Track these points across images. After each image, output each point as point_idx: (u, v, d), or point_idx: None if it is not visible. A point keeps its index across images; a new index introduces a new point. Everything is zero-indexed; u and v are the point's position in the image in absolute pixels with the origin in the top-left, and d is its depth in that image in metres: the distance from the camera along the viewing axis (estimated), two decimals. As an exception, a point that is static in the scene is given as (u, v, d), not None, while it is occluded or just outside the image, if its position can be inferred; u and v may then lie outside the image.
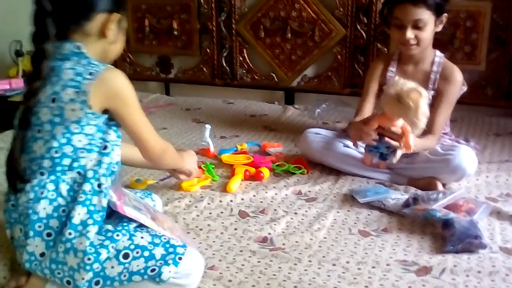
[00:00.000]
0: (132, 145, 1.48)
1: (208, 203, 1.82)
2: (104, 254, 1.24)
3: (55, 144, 1.28)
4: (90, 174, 1.29)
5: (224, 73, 3.14)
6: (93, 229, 1.25)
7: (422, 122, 1.77)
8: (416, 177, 1.94)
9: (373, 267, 1.45)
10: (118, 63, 3.31)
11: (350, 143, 2.07)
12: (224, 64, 3.13)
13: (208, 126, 2.29)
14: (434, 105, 2.00)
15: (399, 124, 1.80)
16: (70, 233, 1.24)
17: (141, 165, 1.74)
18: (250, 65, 3.10)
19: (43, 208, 1.26)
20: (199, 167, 2.04)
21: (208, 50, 3.14)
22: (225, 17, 3.05)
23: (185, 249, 1.30)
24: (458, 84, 2.01)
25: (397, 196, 1.79)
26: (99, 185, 1.29)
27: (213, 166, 2.10)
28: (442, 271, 1.43)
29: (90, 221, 1.25)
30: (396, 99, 1.75)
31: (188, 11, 3.11)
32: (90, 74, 1.27)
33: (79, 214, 1.25)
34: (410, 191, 1.88)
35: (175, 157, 1.64)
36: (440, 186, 1.89)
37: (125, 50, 3.29)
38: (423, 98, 1.75)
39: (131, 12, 3.21)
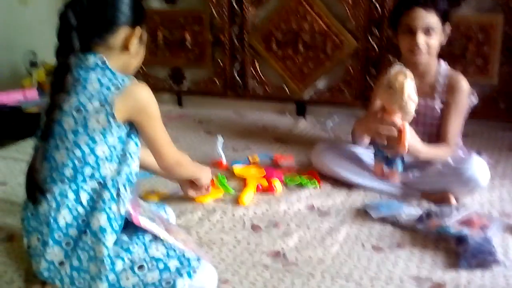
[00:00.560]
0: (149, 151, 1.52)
1: (221, 216, 1.83)
2: (119, 265, 1.25)
3: (78, 153, 1.31)
4: (109, 183, 1.32)
5: (236, 85, 3.16)
6: (111, 238, 1.27)
7: (409, 104, 1.80)
8: (429, 191, 1.94)
9: (387, 283, 1.44)
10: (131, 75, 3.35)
11: (363, 155, 2.07)
12: (236, 76, 3.15)
13: (220, 138, 2.30)
14: (444, 116, 2.01)
15: (398, 122, 1.83)
16: (92, 241, 1.26)
17: (157, 172, 1.77)
18: (262, 77, 3.11)
19: (63, 217, 1.28)
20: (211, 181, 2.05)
21: (220, 62, 3.16)
22: (237, 30, 3.07)
23: (199, 262, 1.31)
24: (465, 92, 2.02)
25: (410, 211, 1.79)
26: (118, 194, 1.31)
27: (225, 179, 2.11)
28: (455, 287, 1.42)
29: (109, 229, 1.27)
30: (387, 86, 1.81)
31: (201, 23, 3.14)
32: (116, 87, 1.31)
33: (98, 221, 1.27)
34: (423, 206, 1.87)
35: (191, 167, 1.70)
36: (453, 200, 1.88)
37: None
38: (408, 79, 1.79)
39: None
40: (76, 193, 1.30)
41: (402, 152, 1.87)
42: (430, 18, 1.91)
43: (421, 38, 1.92)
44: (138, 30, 1.39)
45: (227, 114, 3.12)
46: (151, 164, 1.64)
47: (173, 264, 1.29)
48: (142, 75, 3.36)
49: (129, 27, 1.37)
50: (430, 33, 1.93)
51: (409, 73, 1.81)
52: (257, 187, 2.02)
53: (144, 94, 1.36)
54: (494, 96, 2.67)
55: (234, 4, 3.03)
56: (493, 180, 2.00)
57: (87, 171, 1.32)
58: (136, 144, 1.40)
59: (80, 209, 1.30)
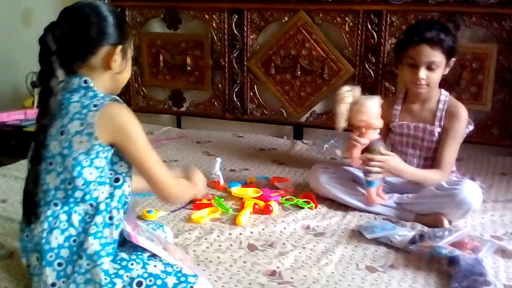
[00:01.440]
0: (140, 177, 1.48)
1: (218, 236, 1.85)
2: (119, 284, 1.28)
3: (67, 176, 1.32)
4: (102, 206, 1.33)
5: (235, 107, 3.22)
6: (107, 260, 1.29)
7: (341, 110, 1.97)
8: (422, 213, 1.97)
9: (380, 303, 1.47)
10: (131, 96, 3.41)
11: (358, 177, 2.12)
12: (235, 99, 3.20)
13: (218, 159, 2.34)
14: (441, 141, 2.05)
15: (357, 139, 1.97)
16: (88, 264, 1.28)
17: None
18: (260, 100, 3.17)
19: (55, 238, 1.30)
20: (209, 202, 2.09)
21: (220, 85, 3.22)
22: (237, 54, 3.14)
23: (196, 279, 1.33)
24: (463, 120, 2.07)
25: (404, 233, 1.82)
26: (111, 218, 1.33)
27: (223, 199, 2.14)
28: (447, 308, 1.45)
29: (103, 253, 1.29)
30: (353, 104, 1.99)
31: (202, 47, 3.21)
32: (95, 106, 1.31)
33: (92, 245, 1.28)
34: (416, 228, 1.90)
35: (189, 190, 1.58)
36: (446, 223, 1.92)
37: (139, 84, 3.39)
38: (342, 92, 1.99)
39: (146, 47, 3.32)
40: (68, 214, 1.31)
41: (351, 164, 2.00)
42: (435, 56, 1.96)
43: (423, 73, 1.98)
44: (119, 48, 1.38)
45: (226, 136, 3.16)
46: (145, 188, 1.66)
47: (171, 280, 1.31)
48: (142, 96, 3.41)
49: (110, 45, 1.37)
50: (433, 68, 1.98)
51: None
52: (254, 207, 2.05)
53: (122, 114, 1.33)
54: (487, 122, 2.72)
55: (235, 30, 3.10)
56: (485, 203, 2.04)
57: (78, 194, 1.32)
58: (128, 164, 1.39)
59: (72, 230, 1.31)
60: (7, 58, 3.65)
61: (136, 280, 1.29)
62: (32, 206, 1.35)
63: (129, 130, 1.33)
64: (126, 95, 3.40)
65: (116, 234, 1.33)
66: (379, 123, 1.97)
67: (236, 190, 2.23)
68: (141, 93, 3.41)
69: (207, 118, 3.32)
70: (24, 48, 3.45)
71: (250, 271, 1.63)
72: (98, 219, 1.31)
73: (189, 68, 3.25)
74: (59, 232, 1.30)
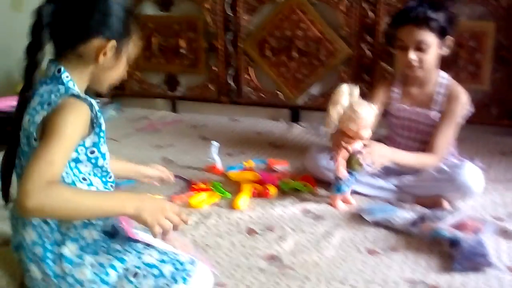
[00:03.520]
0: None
1: (216, 220, 1.83)
2: (113, 274, 1.24)
3: None
4: None
5: (230, 91, 3.18)
6: (89, 258, 1.25)
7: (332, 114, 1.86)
8: (422, 196, 1.95)
9: (381, 286, 1.46)
10: (126, 81, 3.35)
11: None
12: (230, 82, 3.16)
13: (215, 143, 2.31)
14: (436, 124, 2.02)
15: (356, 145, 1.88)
16: (69, 269, 1.24)
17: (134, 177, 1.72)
18: (256, 83, 3.13)
19: (28, 234, 1.25)
20: (207, 187, 2.06)
21: (214, 68, 3.17)
22: (231, 36, 3.09)
23: (194, 266, 1.30)
24: (462, 104, 2.03)
25: (404, 215, 1.80)
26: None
27: (220, 184, 2.11)
28: (450, 290, 1.44)
29: (85, 255, 1.25)
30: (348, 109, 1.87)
31: (195, 30, 3.15)
32: (48, 104, 1.19)
33: (71, 250, 1.24)
34: (417, 210, 1.89)
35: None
36: (446, 205, 1.90)
37: (133, 68, 3.34)
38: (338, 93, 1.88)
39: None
40: None
41: (339, 175, 1.89)
42: (422, 35, 1.91)
43: (412, 54, 1.93)
44: (112, 43, 1.26)
45: (222, 120, 3.13)
46: (124, 172, 1.58)
47: (167, 269, 1.27)
48: (136, 81, 3.37)
49: (105, 38, 1.25)
50: (424, 49, 1.93)
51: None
52: (252, 191, 2.03)
53: (63, 110, 1.17)
54: (486, 102, 2.69)
55: (228, 11, 3.05)
56: (485, 184, 2.02)
57: None
58: (94, 163, 1.27)
59: (45, 227, 1.25)
60: (-1, 44, 3.58)
61: (131, 271, 1.25)
62: (5, 188, 1.30)
63: (57, 125, 1.15)
64: (116, 83, 3.34)
65: (95, 235, 1.29)
66: (368, 134, 1.88)
67: (233, 174, 2.20)
68: (135, 77, 3.36)
69: (202, 102, 3.28)
70: (16, 34, 3.39)
71: (249, 255, 1.62)
72: (77, 223, 1.25)
73: (182, 51, 3.20)
74: (32, 229, 1.25)
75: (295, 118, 3.12)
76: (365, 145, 1.88)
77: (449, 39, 1.99)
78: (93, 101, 1.23)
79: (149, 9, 3.26)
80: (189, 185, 2.12)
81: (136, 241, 1.32)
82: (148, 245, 1.32)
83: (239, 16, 3.03)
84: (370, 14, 2.79)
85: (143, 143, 2.75)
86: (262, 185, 2.07)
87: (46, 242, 1.25)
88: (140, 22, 1.38)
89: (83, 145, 1.24)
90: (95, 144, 1.26)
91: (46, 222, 1.25)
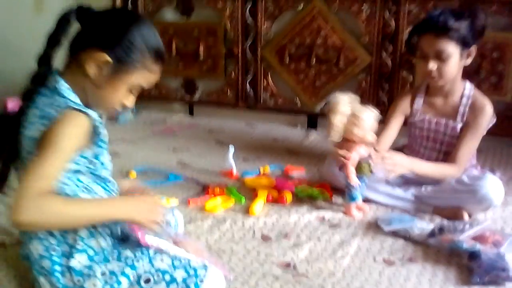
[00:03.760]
0: None
1: (231, 225, 1.82)
2: (125, 283, 1.23)
3: None
4: None
5: (248, 96, 3.17)
6: (99, 269, 1.23)
7: (336, 123, 1.84)
8: (442, 207, 1.92)
9: (398, 297, 1.43)
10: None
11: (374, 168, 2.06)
12: (248, 88, 3.16)
13: (232, 149, 2.30)
14: (460, 135, 1.99)
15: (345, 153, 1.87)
16: (79, 280, 1.22)
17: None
18: (274, 89, 3.12)
19: (35, 248, 1.24)
20: (222, 191, 2.05)
21: (232, 74, 3.17)
22: (251, 43, 3.09)
23: (206, 271, 1.28)
24: (487, 116, 1.99)
25: (422, 226, 1.77)
26: (94, 226, 1.26)
27: (236, 189, 2.10)
28: (468, 303, 1.40)
29: (94, 264, 1.24)
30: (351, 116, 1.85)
31: (215, 36, 3.16)
32: (48, 119, 1.17)
33: (79, 262, 1.23)
34: (435, 221, 1.85)
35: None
36: (466, 216, 1.86)
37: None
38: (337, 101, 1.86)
39: (159, 35, 3.27)
40: None
41: (351, 183, 1.87)
42: (442, 45, 1.87)
43: (431, 64, 1.90)
44: (101, 56, 1.19)
45: (238, 125, 3.13)
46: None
47: (179, 274, 1.25)
48: (155, 85, 3.36)
49: (103, 51, 1.20)
50: (443, 58, 1.88)
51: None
52: (267, 197, 2.01)
53: (61, 123, 1.16)
54: (508, 113, 2.65)
55: (248, 17, 3.05)
56: (506, 196, 1.98)
57: None
58: (93, 175, 1.26)
59: (52, 239, 1.23)
60: (19, 45, 3.62)
61: (143, 277, 1.24)
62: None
63: (52, 138, 1.14)
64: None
65: (103, 243, 1.27)
66: (372, 138, 1.86)
67: (249, 180, 2.19)
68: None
69: (219, 106, 3.27)
70: (36, 35, 3.43)
71: (264, 262, 1.59)
72: (82, 232, 1.24)
73: (201, 56, 3.21)
74: (38, 242, 1.23)
75: (312, 125, 3.10)
76: (384, 157, 1.86)
77: (472, 50, 1.94)
78: (93, 113, 1.20)
79: (170, 15, 3.28)
80: (205, 189, 2.11)
81: (148, 247, 1.31)
82: (161, 250, 1.30)
83: (259, 23, 3.03)
84: (391, 22, 2.77)
85: (160, 146, 2.76)
86: (278, 192, 2.05)
87: (54, 255, 1.23)
88: (162, 63, 1.29)
89: (84, 156, 1.23)
90: (96, 155, 1.25)
91: (52, 235, 1.23)
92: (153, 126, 3.12)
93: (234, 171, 2.28)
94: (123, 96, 1.27)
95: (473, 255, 1.56)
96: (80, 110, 1.18)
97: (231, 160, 2.28)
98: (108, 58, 1.20)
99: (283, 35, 3.02)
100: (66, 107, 1.18)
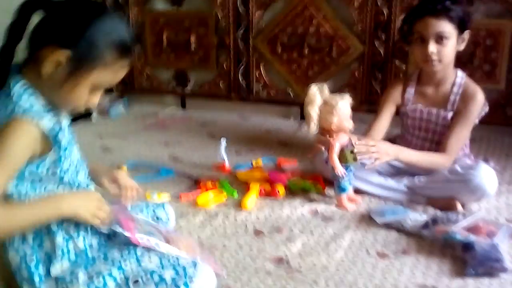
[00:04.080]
0: None
1: (223, 221, 1.80)
2: (111, 285, 1.20)
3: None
4: (54, 226, 1.21)
5: (240, 88, 3.14)
6: (82, 273, 1.20)
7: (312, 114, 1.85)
8: (435, 197, 1.90)
9: (392, 291, 1.41)
10: (135, 77, 3.34)
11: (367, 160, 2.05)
12: (241, 79, 3.13)
13: (223, 142, 2.28)
14: (451, 123, 1.97)
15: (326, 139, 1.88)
16: (62, 286, 1.19)
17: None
18: (266, 80, 3.09)
19: (12, 258, 1.21)
20: (214, 185, 2.03)
21: (224, 65, 3.14)
22: (242, 32, 3.05)
23: (195, 269, 1.26)
24: (478, 104, 1.97)
25: (415, 217, 1.76)
26: (67, 231, 1.23)
27: (228, 183, 2.07)
28: (462, 296, 1.39)
29: (76, 269, 1.21)
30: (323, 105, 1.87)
31: (206, 26, 3.12)
32: None
33: (61, 269, 1.20)
34: (429, 212, 1.84)
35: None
36: (459, 207, 1.85)
37: (142, 64, 3.32)
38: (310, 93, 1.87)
39: (149, 26, 3.24)
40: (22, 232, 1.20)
41: (337, 173, 1.86)
42: (442, 26, 1.86)
43: (432, 47, 1.88)
44: (60, 54, 1.10)
45: (231, 117, 3.10)
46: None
47: (168, 274, 1.23)
48: (146, 77, 3.35)
49: (61, 48, 1.11)
50: (443, 41, 1.88)
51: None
52: (260, 191, 1.99)
53: (3, 137, 1.09)
54: (501, 102, 2.64)
55: (240, 7, 3.01)
56: (500, 186, 1.97)
57: None
58: (60, 182, 1.22)
59: (27, 248, 1.20)
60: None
61: (131, 279, 1.21)
62: None
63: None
64: (129, 75, 3.34)
65: (81, 244, 1.24)
66: (349, 124, 1.86)
67: (242, 173, 2.17)
68: (145, 73, 3.34)
69: (212, 98, 3.24)
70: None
71: (256, 257, 1.58)
72: (58, 239, 1.21)
73: (193, 47, 3.17)
74: (14, 252, 1.20)
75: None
76: (369, 145, 1.86)
77: (467, 34, 1.94)
78: (49, 118, 1.15)
79: (160, 4, 3.23)
80: (197, 184, 2.09)
81: (137, 245, 1.28)
82: (148, 248, 1.28)
83: (251, 12, 3.00)
84: (384, 10, 2.73)
85: (152, 140, 2.73)
86: (271, 185, 2.03)
87: (31, 265, 1.20)
88: (129, 58, 1.18)
89: (42, 164, 1.17)
90: (55, 162, 1.19)
91: (26, 243, 1.20)
92: (144, 120, 3.09)
93: (227, 164, 2.26)
94: (85, 96, 1.17)
95: (467, 246, 1.55)
96: (30, 116, 1.11)
97: (223, 153, 2.26)
98: (66, 56, 1.11)
99: (275, 24, 2.98)
100: (14, 114, 1.11)
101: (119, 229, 1.27)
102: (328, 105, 1.84)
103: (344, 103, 1.85)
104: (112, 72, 1.17)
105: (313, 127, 1.87)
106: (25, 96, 1.14)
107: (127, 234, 1.26)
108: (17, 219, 1.12)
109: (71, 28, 1.12)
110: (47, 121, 1.14)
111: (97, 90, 1.19)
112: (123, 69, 1.20)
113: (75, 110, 1.22)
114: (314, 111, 1.85)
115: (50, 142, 1.16)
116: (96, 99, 1.20)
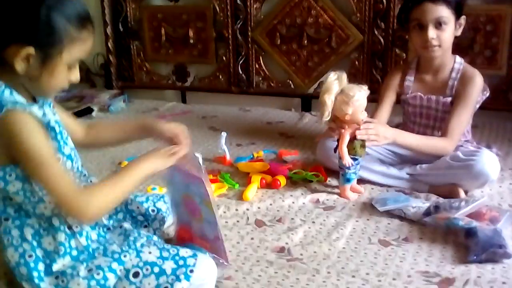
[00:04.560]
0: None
1: (224, 212, 1.80)
2: (112, 278, 1.20)
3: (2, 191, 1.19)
4: (56, 221, 1.22)
5: (240, 80, 3.13)
6: (83, 267, 1.21)
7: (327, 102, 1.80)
8: (437, 184, 1.89)
9: (394, 279, 1.41)
10: (134, 72, 3.33)
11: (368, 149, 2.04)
12: (240, 72, 3.11)
13: (224, 134, 2.27)
14: (451, 108, 1.96)
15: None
16: (63, 281, 1.20)
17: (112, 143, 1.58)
18: (266, 72, 3.08)
19: (11, 256, 1.21)
20: (215, 177, 2.03)
21: (224, 58, 3.13)
22: (241, 25, 3.03)
23: (195, 259, 1.26)
24: (477, 87, 1.95)
25: (418, 204, 1.75)
26: (70, 227, 1.24)
27: (229, 175, 2.07)
28: (465, 282, 1.38)
29: (78, 264, 1.21)
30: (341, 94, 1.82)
31: (204, 19, 3.11)
32: None
33: (63, 264, 1.21)
34: (431, 199, 1.83)
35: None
36: (462, 194, 1.84)
37: (142, 59, 3.31)
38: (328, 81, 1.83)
39: (147, 21, 3.23)
40: (21, 229, 1.20)
41: (345, 163, 1.84)
42: (440, 11, 1.86)
43: (432, 32, 1.87)
44: (27, 50, 1.09)
45: (231, 110, 3.09)
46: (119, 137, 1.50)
47: (168, 266, 1.23)
48: (145, 72, 3.34)
49: (23, 45, 1.10)
50: (442, 26, 1.87)
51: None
52: (261, 182, 1.98)
53: (10, 127, 1.11)
54: (502, 87, 2.61)
55: (237, -1, 3.00)
56: (502, 171, 1.96)
57: (25, 207, 1.20)
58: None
59: (26, 245, 1.20)
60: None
61: (132, 271, 1.22)
62: None
63: (21, 145, 1.11)
64: (129, 71, 3.34)
65: (83, 241, 1.25)
66: (363, 116, 1.83)
67: (243, 165, 2.16)
68: (144, 69, 3.33)
69: (212, 92, 3.23)
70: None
71: (258, 247, 1.58)
72: (60, 236, 1.22)
73: (191, 41, 3.16)
74: (13, 250, 1.20)
75: (306, 107, 3.06)
76: (366, 122, 1.84)
77: (463, 18, 1.93)
78: (36, 109, 1.16)
79: (158, 0, 3.22)
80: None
81: (135, 237, 1.28)
82: (147, 241, 1.28)
83: (248, 4, 2.98)
84: (382, -1, 2.71)
85: (152, 134, 2.72)
86: (272, 176, 2.02)
87: (30, 261, 1.19)
88: (92, 25, 1.19)
89: None
90: (56, 150, 1.20)
91: (25, 240, 1.20)
92: (145, 115, 3.08)
93: (228, 157, 2.25)
94: (65, 75, 1.18)
95: (470, 233, 1.55)
96: (18, 108, 1.12)
97: (223, 145, 2.25)
98: (31, 50, 1.10)
99: (273, 16, 2.96)
100: (2, 107, 1.11)
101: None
102: (345, 95, 1.79)
103: (361, 95, 1.80)
104: (81, 44, 1.17)
105: (327, 115, 1.82)
106: (6, 94, 1.14)
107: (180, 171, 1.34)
108: (122, 188, 1.23)
109: (23, 24, 1.10)
110: (36, 111, 1.16)
111: (74, 65, 1.19)
112: (90, 36, 1.19)
113: (58, 91, 1.21)
114: (329, 99, 1.80)
115: (46, 130, 1.17)
116: (76, 73, 1.21)
